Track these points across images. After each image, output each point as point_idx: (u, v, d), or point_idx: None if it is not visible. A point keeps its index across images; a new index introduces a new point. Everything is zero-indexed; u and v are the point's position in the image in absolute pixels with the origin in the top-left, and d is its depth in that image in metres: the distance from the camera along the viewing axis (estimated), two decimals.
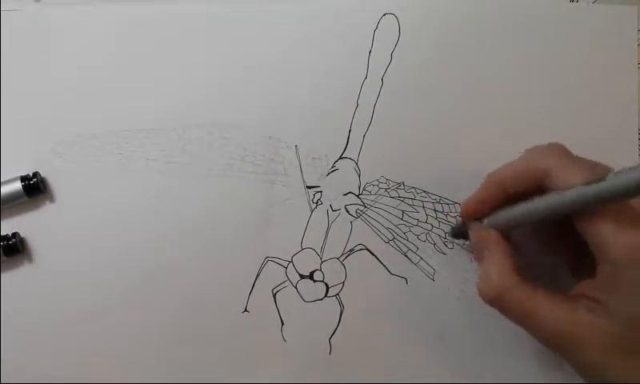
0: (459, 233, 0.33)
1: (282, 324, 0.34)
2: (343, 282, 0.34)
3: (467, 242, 0.34)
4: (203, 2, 0.37)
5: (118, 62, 0.36)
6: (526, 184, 0.28)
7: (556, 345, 0.26)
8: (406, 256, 0.34)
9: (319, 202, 0.35)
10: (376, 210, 0.35)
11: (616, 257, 0.24)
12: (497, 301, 0.27)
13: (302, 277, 0.34)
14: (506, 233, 0.29)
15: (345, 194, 0.35)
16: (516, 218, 0.28)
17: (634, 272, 0.24)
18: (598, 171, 0.25)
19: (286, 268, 0.35)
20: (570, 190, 0.25)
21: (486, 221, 0.30)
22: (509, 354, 0.33)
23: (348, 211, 0.35)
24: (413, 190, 0.35)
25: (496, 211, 0.30)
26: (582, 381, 0.31)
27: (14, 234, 0.34)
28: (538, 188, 0.27)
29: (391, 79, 0.35)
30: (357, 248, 0.35)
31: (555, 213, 0.26)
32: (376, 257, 0.34)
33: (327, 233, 0.35)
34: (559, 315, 0.25)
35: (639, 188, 0.22)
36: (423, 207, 0.35)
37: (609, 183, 0.23)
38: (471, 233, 0.31)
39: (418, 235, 0.35)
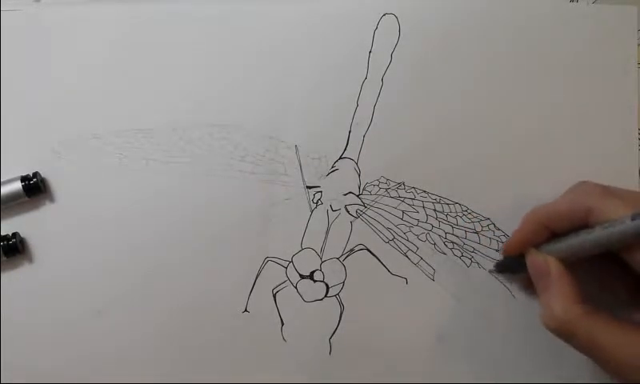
0: (504, 267, 0.33)
1: (282, 324, 0.34)
2: (343, 282, 0.34)
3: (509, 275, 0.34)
4: (203, 1, 0.37)
5: (118, 62, 0.36)
6: (569, 223, 0.28)
7: (622, 374, 0.26)
8: (406, 256, 0.34)
9: (319, 202, 0.35)
10: (376, 209, 0.35)
11: None
12: (560, 333, 0.27)
13: (302, 277, 0.34)
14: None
15: (345, 194, 0.35)
16: (561, 252, 0.29)
17: None
18: None
19: (286, 268, 0.35)
20: (617, 226, 0.25)
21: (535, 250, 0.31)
22: (508, 354, 0.33)
23: (348, 211, 0.35)
24: (413, 190, 0.35)
25: (542, 245, 0.30)
26: (580, 381, 0.31)
27: (14, 234, 0.34)
28: (582, 226, 0.28)
29: (391, 79, 0.35)
30: (357, 248, 0.35)
31: (602, 248, 0.27)
32: (376, 257, 0.34)
33: (327, 233, 0.35)
34: (626, 345, 0.25)
35: None
36: (423, 207, 0.35)
37: None
38: (529, 260, 0.30)
39: (418, 235, 0.35)
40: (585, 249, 0.28)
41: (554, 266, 0.29)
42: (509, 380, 0.33)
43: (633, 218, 0.25)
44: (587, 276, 0.30)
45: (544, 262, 0.29)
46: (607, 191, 0.28)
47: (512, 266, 0.32)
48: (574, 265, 0.29)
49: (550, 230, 0.30)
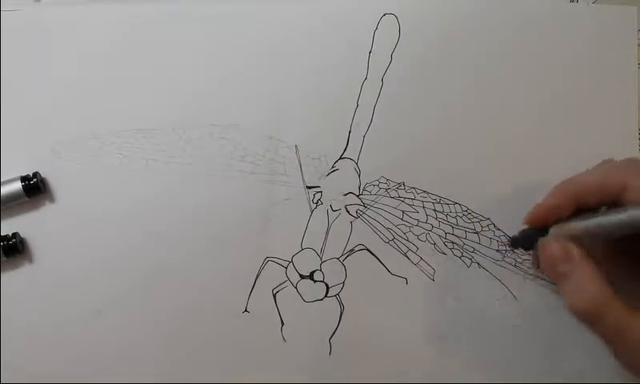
0: (519, 242, 0.31)
1: (282, 324, 0.34)
2: (343, 282, 0.34)
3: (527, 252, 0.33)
4: (203, 2, 0.37)
5: (118, 62, 0.36)
6: (601, 197, 0.27)
7: None
8: (406, 256, 0.34)
9: (319, 202, 0.35)
10: (376, 210, 0.35)
11: None
12: (592, 314, 0.26)
13: (302, 277, 0.34)
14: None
15: (345, 194, 0.35)
16: (587, 230, 0.27)
17: None
18: None
19: (286, 268, 0.35)
20: None
21: (551, 230, 0.29)
22: (508, 354, 0.33)
23: (348, 211, 0.35)
24: (413, 190, 0.35)
25: (565, 222, 0.28)
26: (580, 381, 0.31)
27: (14, 234, 0.34)
28: (612, 202, 0.27)
29: (391, 80, 0.35)
30: (357, 248, 0.35)
31: (635, 230, 0.25)
32: (376, 257, 0.34)
33: (327, 233, 0.35)
34: None
35: None
36: (423, 207, 0.35)
37: None
38: (544, 248, 0.28)
39: (418, 235, 0.35)
40: (614, 229, 0.26)
41: (576, 251, 0.27)
42: (509, 380, 0.33)
43: None
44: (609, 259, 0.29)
45: (562, 248, 0.27)
46: None
47: (528, 240, 0.30)
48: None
49: (578, 203, 0.28)
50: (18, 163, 0.35)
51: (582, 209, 0.28)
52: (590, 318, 0.26)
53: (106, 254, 0.35)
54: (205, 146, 0.36)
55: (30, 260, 0.35)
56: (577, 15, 0.36)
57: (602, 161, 0.29)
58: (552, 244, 0.28)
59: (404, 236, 0.35)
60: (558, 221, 0.29)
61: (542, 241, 0.29)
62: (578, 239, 0.28)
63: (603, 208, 0.27)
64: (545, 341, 0.33)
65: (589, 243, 0.27)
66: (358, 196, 0.35)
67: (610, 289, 0.26)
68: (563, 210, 0.29)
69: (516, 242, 0.31)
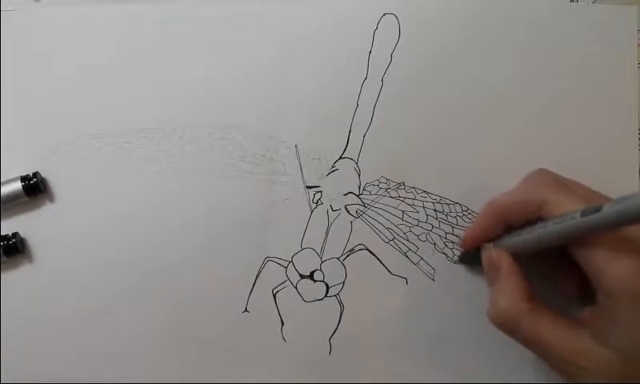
0: (468, 260, 0.34)
1: (282, 324, 0.34)
2: (343, 282, 0.34)
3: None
4: (203, 2, 0.37)
5: (118, 62, 0.36)
6: (524, 215, 0.28)
7: (562, 370, 0.26)
8: (406, 256, 0.34)
9: (319, 202, 0.35)
10: (376, 209, 0.35)
11: (610, 288, 0.24)
12: (504, 328, 0.28)
13: (302, 277, 0.34)
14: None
15: (345, 194, 0.35)
16: (516, 246, 0.29)
17: (629, 303, 0.24)
18: (594, 200, 0.25)
19: (286, 268, 0.35)
20: (568, 221, 0.25)
21: (492, 244, 0.31)
22: (509, 354, 0.33)
23: (348, 211, 0.35)
24: (413, 190, 0.35)
25: (499, 239, 0.30)
26: None
27: (14, 234, 0.34)
28: (536, 218, 0.28)
29: (391, 79, 0.35)
30: (357, 248, 0.35)
31: (554, 242, 0.26)
32: (376, 257, 0.34)
33: (327, 233, 0.35)
34: (565, 342, 0.26)
35: (633, 217, 0.22)
36: (423, 207, 0.35)
37: (604, 213, 0.23)
38: (483, 255, 0.31)
39: (418, 235, 0.35)
40: (539, 243, 0.27)
41: (505, 262, 0.29)
42: (508, 380, 0.33)
43: (582, 214, 0.24)
44: (540, 270, 0.30)
45: (497, 256, 0.29)
46: (561, 183, 0.28)
47: (474, 258, 0.32)
48: (529, 258, 0.29)
49: (505, 222, 0.30)
50: (18, 163, 0.36)
51: (514, 226, 0.29)
52: (503, 330, 0.28)
53: (105, 254, 0.35)
54: (205, 146, 0.36)
55: (30, 260, 0.35)
56: (577, 15, 0.36)
57: (534, 171, 0.30)
58: (489, 251, 0.30)
59: (404, 236, 0.35)
60: (490, 240, 0.31)
61: (483, 248, 0.31)
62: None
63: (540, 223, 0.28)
64: None
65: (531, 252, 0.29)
66: (358, 196, 0.35)
67: (523, 303, 0.27)
68: (490, 231, 0.30)
69: (463, 261, 0.34)
